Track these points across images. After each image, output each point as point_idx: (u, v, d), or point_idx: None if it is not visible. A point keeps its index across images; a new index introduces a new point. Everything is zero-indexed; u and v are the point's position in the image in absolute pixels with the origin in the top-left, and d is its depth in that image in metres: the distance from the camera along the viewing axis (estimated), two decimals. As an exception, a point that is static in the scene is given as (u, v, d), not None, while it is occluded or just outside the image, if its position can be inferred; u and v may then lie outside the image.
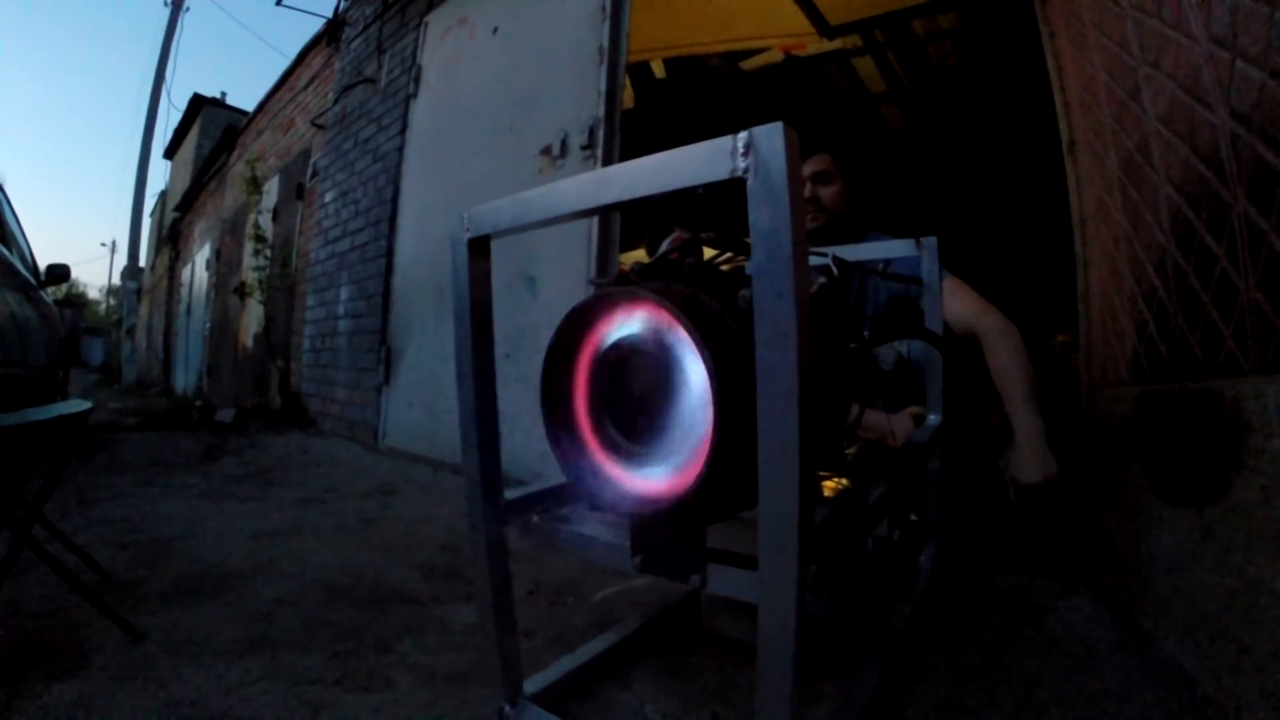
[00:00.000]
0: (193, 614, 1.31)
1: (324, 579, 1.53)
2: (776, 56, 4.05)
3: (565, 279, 2.56)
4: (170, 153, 15.39)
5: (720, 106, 4.47)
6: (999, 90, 4.02)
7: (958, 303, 1.56)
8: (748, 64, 4.18)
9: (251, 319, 5.79)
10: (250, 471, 2.91)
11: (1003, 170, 4.32)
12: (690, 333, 0.65)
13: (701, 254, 0.88)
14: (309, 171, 5.05)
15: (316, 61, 5.37)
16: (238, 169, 6.73)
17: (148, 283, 13.09)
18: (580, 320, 0.76)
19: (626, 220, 2.55)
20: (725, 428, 0.63)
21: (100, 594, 1.27)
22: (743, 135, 0.56)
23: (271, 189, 5.79)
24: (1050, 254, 2.20)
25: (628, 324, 0.73)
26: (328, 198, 4.58)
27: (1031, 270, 3.40)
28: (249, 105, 7.89)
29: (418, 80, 3.76)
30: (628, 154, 2.46)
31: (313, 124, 5.09)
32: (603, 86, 2.54)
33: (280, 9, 5.48)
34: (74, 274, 4.23)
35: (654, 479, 0.71)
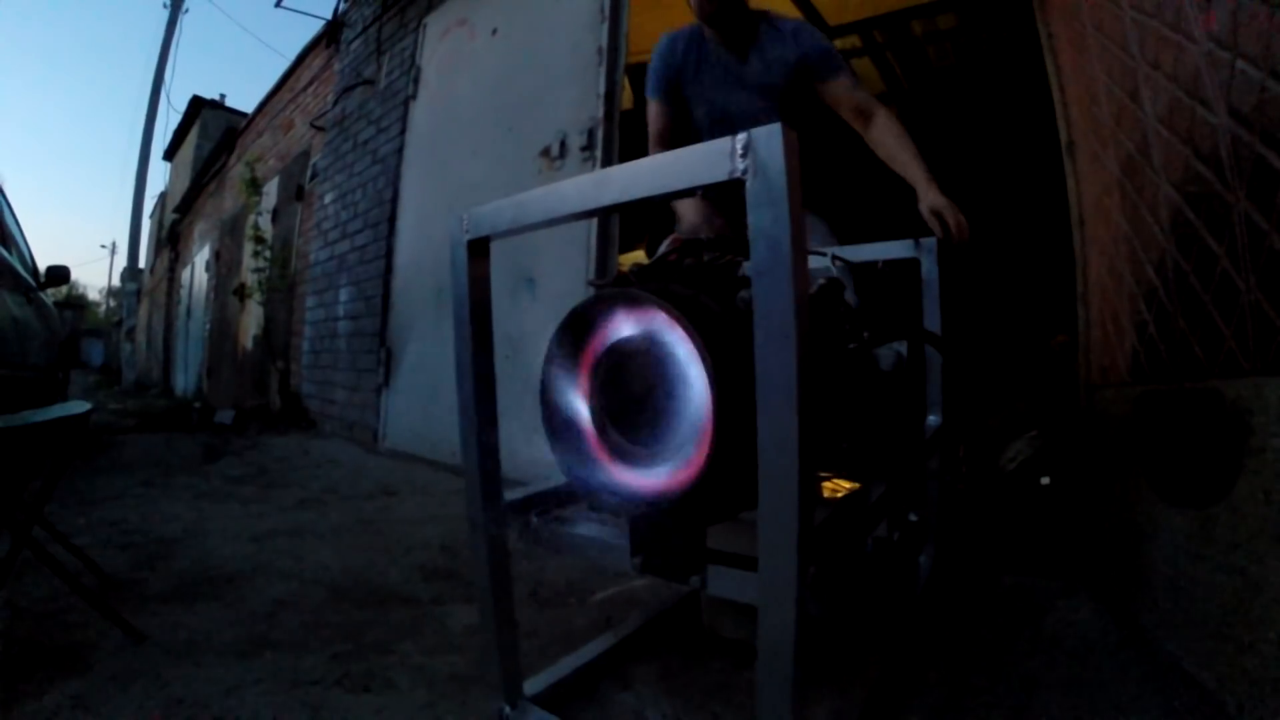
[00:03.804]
0: (193, 615, 1.31)
1: (324, 580, 1.53)
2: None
3: (565, 280, 2.56)
4: (170, 154, 15.38)
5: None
6: (998, 91, 4.02)
7: (856, 91, 1.60)
8: (747, 65, 4.17)
9: (251, 320, 5.79)
10: (250, 473, 2.90)
11: (1002, 171, 4.32)
12: (689, 334, 0.65)
13: (701, 255, 0.88)
14: (308, 173, 5.05)
15: (316, 63, 5.37)
16: (237, 171, 6.74)
17: (147, 284, 13.09)
18: (580, 321, 0.76)
19: (626, 221, 2.55)
20: (725, 429, 0.63)
21: (101, 595, 1.27)
22: (741, 137, 0.56)
23: (271, 190, 5.79)
24: (1049, 255, 2.20)
25: (627, 325, 0.73)
26: (327, 199, 4.59)
27: (1030, 271, 3.40)
28: (248, 107, 7.90)
29: (417, 82, 3.76)
30: (627, 155, 2.46)
31: (312, 125, 5.09)
32: (602, 88, 2.54)
33: (279, 10, 5.48)
34: (74, 276, 4.22)
35: (654, 480, 0.71)
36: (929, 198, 1.42)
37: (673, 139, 1.72)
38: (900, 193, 1.51)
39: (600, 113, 2.53)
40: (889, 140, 1.54)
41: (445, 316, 3.12)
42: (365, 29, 4.42)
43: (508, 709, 0.89)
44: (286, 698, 1.02)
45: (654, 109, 1.72)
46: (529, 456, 2.47)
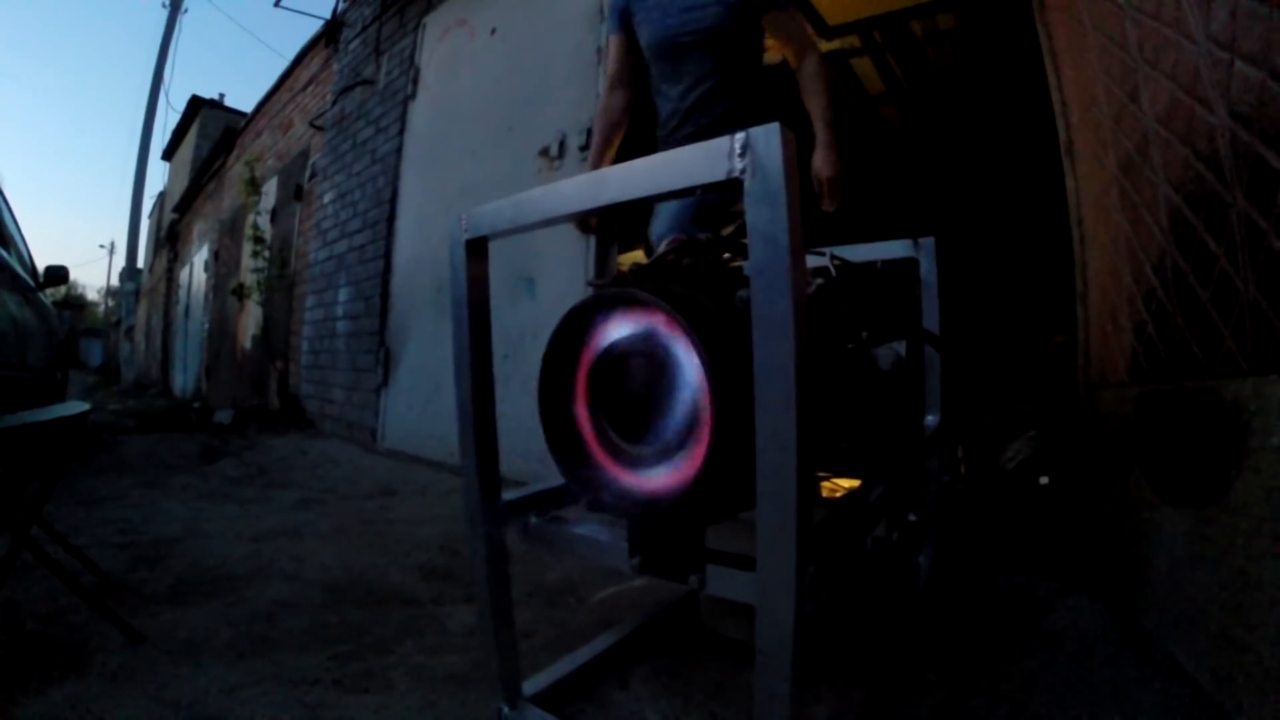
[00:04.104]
0: (192, 615, 1.31)
1: (323, 580, 1.53)
2: (774, 57, 4.05)
3: (564, 280, 2.56)
4: (169, 154, 15.38)
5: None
6: (997, 91, 4.02)
7: (799, 27, 1.67)
8: (746, 64, 4.17)
9: (250, 320, 5.78)
10: (249, 473, 2.90)
11: (1001, 171, 4.32)
12: (688, 334, 0.65)
13: (700, 255, 0.88)
14: (307, 173, 5.05)
15: (315, 63, 5.37)
16: (236, 170, 6.74)
17: (146, 284, 13.08)
18: (578, 321, 0.76)
19: (625, 221, 2.55)
20: (723, 428, 0.63)
21: (100, 596, 1.27)
22: (740, 136, 0.56)
23: (270, 190, 5.79)
24: (1048, 254, 2.21)
25: (626, 325, 0.73)
26: (326, 199, 4.58)
27: (1029, 271, 3.40)
28: (247, 107, 7.90)
29: (416, 81, 3.76)
30: (626, 155, 2.46)
31: (311, 125, 5.08)
32: (601, 88, 2.54)
33: (279, 10, 5.48)
34: (72, 276, 4.21)
35: (652, 480, 0.71)
36: (818, 161, 1.55)
37: (630, 79, 1.74)
38: (897, 194, 1.51)
39: (599, 112, 2.52)
40: (811, 88, 1.61)
41: (444, 316, 3.11)
42: (364, 29, 4.41)
43: (507, 709, 0.89)
44: (286, 698, 1.02)
45: (611, 46, 1.74)
46: (528, 456, 2.47)
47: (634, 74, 1.74)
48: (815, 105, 1.59)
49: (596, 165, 1.78)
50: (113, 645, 1.16)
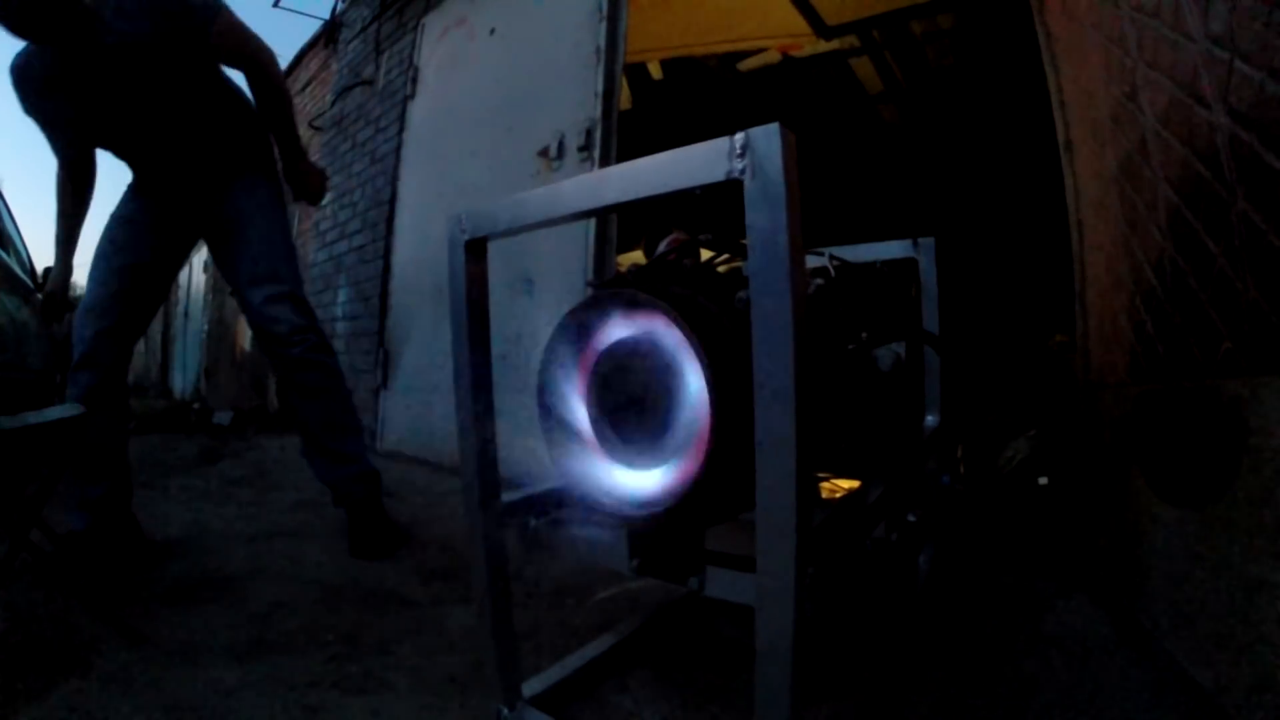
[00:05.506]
0: (191, 617, 1.31)
1: (322, 581, 1.52)
2: (774, 57, 4.05)
3: (563, 281, 2.56)
4: (168, 155, 15.34)
5: (717, 107, 4.47)
6: (996, 91, 4.02)
7: (244, 31, 1.59)
8: (745, 65, 4.18)
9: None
10: (248, 474, 2.90)
11: (1001, 171, 4.32)
12: (687, 334, 0.65)
13: (699, 255, 0.88)
14: (307, 173, 5.03)
15: (313, 63, 5.36)
16: (235, 171, 6.71)
17: (146, 285, 13.04)
18: (578, 322, 0.76)
19: (624, 221, 2.55)
20: (723, 429, 0.63)
21: (99, 597, 1.27)
22: (739, 136, 0.56)
23: (269, 191, 5.77)
24: (1047, 254, 2.20)
25: (625, 326, 0.73)
26: (324, 200, 4.57)
27: (1029, 270, 3.40)
28: (247, 107, 7.87)
29: (415, 81, 3.75)
30: (624, 155, 2.46)
31: (310, 126, 5.08)
32: (599, 88, 2.54)
33: (277, 10, 5.47)
34: (72, 277, 4.20)
35: (652, 481, 0.71)
36: (305, 167, 1.68)
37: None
38: (896, 194, 1.51)
39: (598, 112, 2.52)
40: (270, 102, 1.68)
41: (443, 317, 3.11)
42: (363, 29, 4.41)
43: (506, 710, 0.88)
44: (284, 700, 1.02)
45: None
46: (527, 457, 2.46)
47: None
48: (281, 126, 1.68)
49: (64, 259, 1.85)
50: (112, 646, 1.16)
